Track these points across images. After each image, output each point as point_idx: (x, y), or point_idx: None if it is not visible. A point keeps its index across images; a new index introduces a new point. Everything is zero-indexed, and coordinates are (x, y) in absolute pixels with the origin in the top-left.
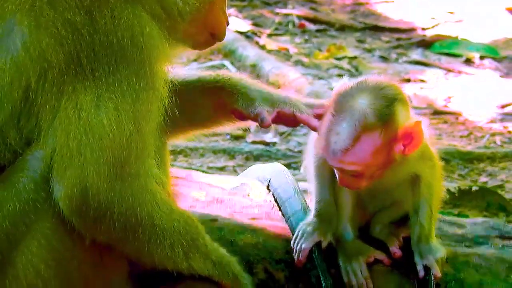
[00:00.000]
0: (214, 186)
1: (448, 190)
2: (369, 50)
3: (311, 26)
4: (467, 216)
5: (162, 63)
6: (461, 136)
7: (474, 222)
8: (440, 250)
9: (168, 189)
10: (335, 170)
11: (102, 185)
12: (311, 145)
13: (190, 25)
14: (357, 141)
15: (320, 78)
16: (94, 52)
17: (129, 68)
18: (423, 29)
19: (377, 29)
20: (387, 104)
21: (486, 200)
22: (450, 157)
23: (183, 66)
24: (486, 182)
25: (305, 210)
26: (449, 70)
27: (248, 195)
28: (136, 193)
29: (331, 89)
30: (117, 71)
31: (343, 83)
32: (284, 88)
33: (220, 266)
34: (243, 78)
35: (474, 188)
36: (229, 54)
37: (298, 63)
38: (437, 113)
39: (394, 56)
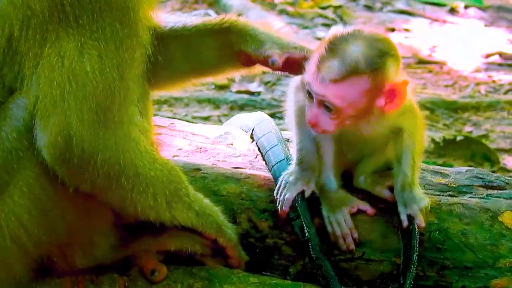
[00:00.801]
0: (197, 135)
1: (433, 140)
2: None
3: None
4: (451, 166)
5: (146, 10)
6: (446, 86)
7: (458, 171)
8: (423, 199)
9: (151, 137)
10: (307, 108)
11: (85, 132)
12: (291, 93)
13: None
14: (346, 79)
15: (305, 28)
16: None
17: (113, 15)
18: None
19: None
20: (379, 55)
21: (471, 149)
22: (435, 107)
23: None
24: (470, 132)
25: (289, 160)
26: (433, 20)
27: (232, 144)
28: (119, 140)
29: (316, 38)
30: (101, 18)
31: (340, 28)
32: None
33: (203, 216)
34: (250, 21)
35: (458, 138)
36: (214, 3)
37: (282, 12)
38: (421, 62)
39: (378, 5)
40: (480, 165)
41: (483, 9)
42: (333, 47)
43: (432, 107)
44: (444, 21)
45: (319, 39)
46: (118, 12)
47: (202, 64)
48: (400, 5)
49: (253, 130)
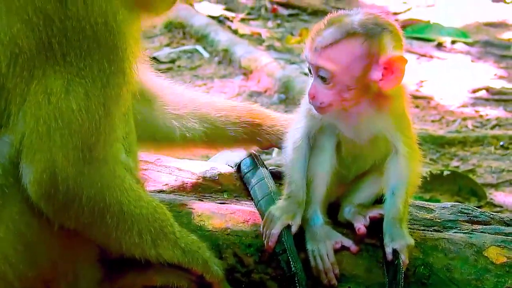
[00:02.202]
0: (183, 170)
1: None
2: None
3: (283, 11)
4: (438, 201)
5: (133, 47)
6: (433, 121)
7: (443, 206)
8: (410, 237)
9: (137, 175)
10: (308, 83)
11: (71, 170)
12: (291, 130)
13: None
14: (338, 42)
15: (292, 63)
16: (66, 37)
17: (101, 53)
18: (395, 13)
19: None
20: (377, 26)
21: (458, 184)
22: (422, 141)
23: (155, 50)
24: (457, 167)
25: (275, 194)
26: (421, 55)
27: (218, 179)
28: (104, 178)
29: (303, 73)
30: (89, 56)
31: None
32: (257, 73)
33: (189, 253)
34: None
35: (445, 173)
36: (202, 39)
37: (270, 47)
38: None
39: None
40: (467, 200)
41: (470, 44)
42: (330, 19)
43: (419, 142)
44: (432, 56)
45: (306, 74)
46: (105, 50)
47: (218, 142)
48: None
49: (239, 165)
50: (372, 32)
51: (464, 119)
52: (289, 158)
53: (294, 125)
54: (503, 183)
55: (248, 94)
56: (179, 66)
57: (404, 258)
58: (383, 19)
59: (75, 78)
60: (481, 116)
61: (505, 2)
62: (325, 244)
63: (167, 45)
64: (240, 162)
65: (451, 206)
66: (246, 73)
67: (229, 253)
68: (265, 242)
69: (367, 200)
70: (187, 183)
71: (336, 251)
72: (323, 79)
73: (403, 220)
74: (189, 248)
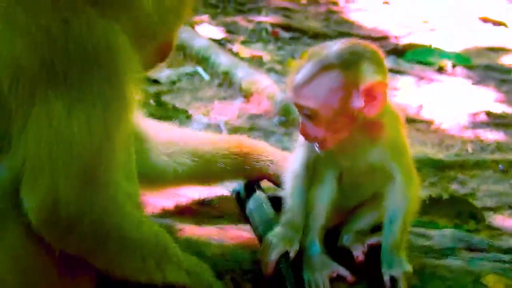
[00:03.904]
0: (182, 196)
1: None
2: None
3: (284, 34)
4: (437, 225)
5: (134, 73)
6: (433, 144)
7: (442, 233)
8: (407, 264)
9: (137, 200)
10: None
11: (72, 195)
12: (291, 159)
13: (155, 46)
14: (315, 77)
15: None
16: (68, 58)
17: (102, 76)
18: (396, 37)
19: (350, 37)
20: (353, 54)
21: (457, 208)
22: (421, 165)
23: (156, 72)
24: (457, 190)
25: (273, 220)
26: (421, 78)
27: (216, 205)
28: (106, 203)
29: None
30: (90, 79)
31: None
32: (257, 95)
33: (194, 274)
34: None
35: (444, 197)
36: (202, 61)
37: (271, 70)
38: (409, 121)
39: None
40: (465, 223)
41: (470, 68)
42: (308, 54)
43: (419, 166)
44: (432, 80)
45: None
46: (107, 73)
47: (209, 175)
48: (388, 64)
49: (238, 191)
50: (348, 62)
51: (464, 143)
52: (288, 186)
53: (293, 154)
54: (502, 206)
55: (248, 117)
56: (179, 88)
57: (402, 286)
58: (361, 46)
59: (76, 101)
60: (481, 140)
61: (506, 26)
62: (321, 274)
63: (168, 66)
64: (239, 188)
65: (450, 233)
66: (247, 95)
67: (227, 278)
68: (263, 268)
69: (365, 227)
70: (185, 208)
71: (333, 280)
72: (308, 116)
73: (401, 247)
74: (193, 270)
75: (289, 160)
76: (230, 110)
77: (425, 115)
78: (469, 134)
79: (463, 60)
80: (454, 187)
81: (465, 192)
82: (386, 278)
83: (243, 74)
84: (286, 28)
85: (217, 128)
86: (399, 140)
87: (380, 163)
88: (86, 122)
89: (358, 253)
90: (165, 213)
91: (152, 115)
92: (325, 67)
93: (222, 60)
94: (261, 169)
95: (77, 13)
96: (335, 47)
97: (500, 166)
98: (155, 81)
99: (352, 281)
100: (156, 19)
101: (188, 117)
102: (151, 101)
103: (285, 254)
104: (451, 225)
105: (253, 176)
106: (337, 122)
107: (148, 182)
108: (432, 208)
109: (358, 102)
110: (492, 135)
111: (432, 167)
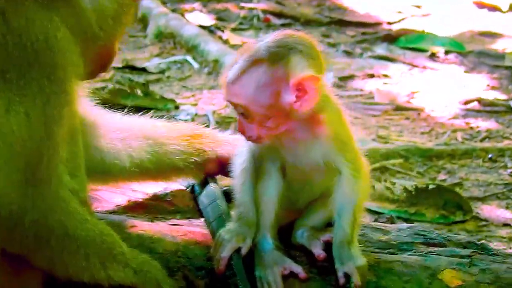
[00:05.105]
0: (137, 191)
1: (405, 188)
2: (334, 45)
3: (276, 21)
4: (423, 215)
5: (74, 68)
6: (423, 133)
7: (399, 227)
8: (361, 258)
9: (84, 196)
10: None
11: (13, 193)
12: (238, 151)
13: (95, 53)
14: (244, 73)
15: None
16: (6, 53)
17: (41, 71)
18: (389, 23)
19: (342, 24)
20: (283, 47)
21: (443, 198)
22: (409, 154)
23: (145, 61)
24: (444, 180)
25: (226, 216)
26: (413, 65)
27: (171, 200)
28: (48, 200)
29: None
30: (29, 74)
31: None
32: None
33: (142, 273)
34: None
35: (431, 186)
36: (192, 49)
37: None
38: (399, 109)
39: (358, 50)
40: (452, 214)
41: (464, 54)
42: (241, 50)
43: (407, 155)
44: (424, 67)
45: None
46: (46, 68)
47: (164, 160)
48: (380, 51)
49: (193, 186)
50: (277, 56)
51: (454, 131)
52: (237, 180)
53: (240, 147)
54: (489, 196)
55: None
56: (168, 77)
57: (355, 280)
58: (293, 39)
59: (15, 97)
60: (471, 128)
61: (501, 11)
62: (272, 270)
63: (157, 55)
64: (194, 183)
65: (408, 228)
66: None
67: (179, 275)
68: (215, 265)
69: (319, 223)
70: (140, 204)
71: (285, 277)
72: (242, 114)
73: (352, 241)
74: (141, 269)
75: (236, 153)
76: (218, 99)
77: (415, 103)
78: (459, 122)
79: (456, 46)
80: (442, 176)
81: (453, 182)
82: (340, 274)
83: None
84: (278, 15)
85: (205, 118)
86: (343, 134)
87: (323, 158)
88: (25, 118)
89: (319, 250)
90: (119, 209)
91: (139, 105)
92: (253, 62)
93: (212, 48)
94: (212, 151)
95: (15, 5)
96: (265, 41)
97: (489, 155)
98: (143, 70)
99: (305, 278)
100: (95, 22)
101: (177, 107)
102: (138, 91)
103: (237, 251)
104: (438, 216)
105: (204, 158)
106: (270, 118)
107: (102, 171)
108: (418, 198)
109: (288, 98)
110: (483, 123)
111: (420, 156)
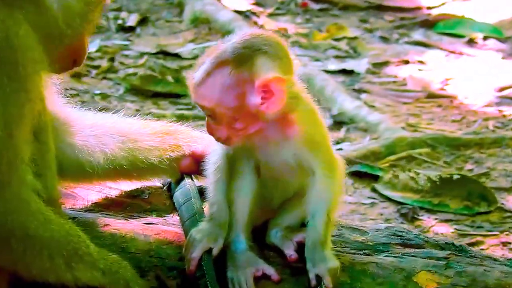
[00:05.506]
0: (114, 188)
1: (429, 178)
2: (370, 30)
3: (314, 6)
4: (448, 206)
5: (37, 66)
6: (453, 121)
7: (377, 228)
8: (333, 260)
9: (54, 195)
10: None
11: None
12: (211, 150)
13: (64, 49)
14: (209, 76)
15: (317, 60)
16: None
17: (1, 69)
18: (429, 8)
19: (381, 8)
20: (249, 48)
21: (468, 189)
22: (437, 143)
23: (179, 47)
24: (471, 170)
25: (199, 215)
26: (450, 51)
27: (148, 198)
28: (8, 202)
29: (324, 71)
30: None
31: None
32: None
33: (110, 273)
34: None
35: (455, 177)
36: (226, 34)
37: (295, 43)
38: (431, 96)
39: (395, 36)
40: (476, 205)
41: (502, 40)
42: (208, 51)
43: (434, 144)
44: (461, 53)
45: (328, 71)
46: (6, 66)
47: (138, 156)
48: (418, 36)
49: (169, 184)
50: (242, 57)
51: (486, 119)
52: (210, 179)
53: (214, 144)
54: None
55: None
56: None
57: (327, 282)
58: (259, 39)
59: None
60: (504, 116)
61: None
62: (244, 272)
63: (192, 41)
64: (171, 181)
65: (385, 228)
66: None
67: (151, 275)
68: (186, 265)
69: (294, 222)
70: (116, 202)
71: (258, 279)
72: (209, 115)
73: (325, 242)
74: (109, 269)
75: (210, 151)
76: None
77: (449, 90)
78: (492, 110)
79: (495, 32)
80: (469, 166)
81: (480, 172)
82: (311, 276)
83: None
84: None
85: None
86: (316, 134)
87: (295, 158)
88: None
89: (291, 251)
90: (95, 206)
91: (170, 91)
92: (218, 64)
93: None
94: (187, 147)
95: None
96: (232, 41)
97: None
98: (177, 55)
99: (277, 280)
100: (61, 20)
101: None
102: (169, 77)
103: (208, 251)
104: (461, 207)
105: (179, 155)
106: (238, 120)
107: (76, 169)
108: (442, 189)
109: (254, 100)
110: None
111: (447, 146)
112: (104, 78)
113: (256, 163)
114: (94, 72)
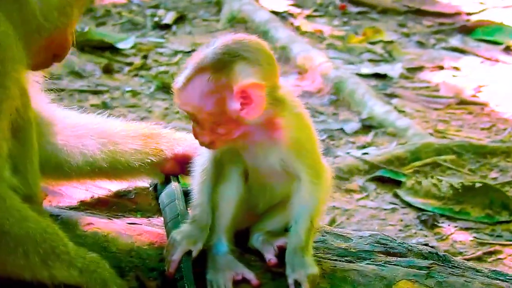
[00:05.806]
0: (101, 187)
1: (451, 186)
2: (408, 35)
3: (352, 8)
4: (469, 213)
5: (16, 63)
6: (483, 129)
7: (361, 235)
8: (313, 266)
9: (33, 192)
10: None
11: None
12: (199, 152)
13: (43, 42)
14: (189, 81)
15: (350, 63)
16: None
17: None
18: (468, 13)
19: (420, 13)
20: (228, 54)
21: (489, 197)
22: (463, 151)
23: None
24: (496, 178)
25: (181, 217)
26: (485, 58)
27: (134, 198)
28: None
29: (357, 74)
30: None
31: None
32: (311, 72)
33: (87, 273)
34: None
35: (477, 185)
36: (262, 35)
37: (330, 46)
38: (463, 103)
39: (432, 41)
40: (498, 214)
41: None
42: (192, 56)
43: (460, 151)
44: (497, 60)
45: (361, 75)
46: None
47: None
48: (455, 42)
49: (156, 184)
50: (221, 63)
51: None
52: (195, 181)
53: (202, 148)
54: None
55: (300, 95)
56: None
57: None
58: (240, 45)
59: None
60: None
61: None
62: (224, 275)
63: None
64: (157, 182)
65: (369, 236)
66: (301, 72)
67: (131, 276)
68: (166, 267)
69: (277, 227)
70: (102, 201)
71: (238, 283)
72: (193, 120)
73: (306, 248)
74: (86, 268)
75: (198, 153)
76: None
77: (481, 97)
78: None
79: None
80: (494, 174)
81: (504, 180)
82: (290, 281)
83: (299, 49)
84: (355, 2)
85: None
86: (303, 139)
87: (280, 163)
88: None
89: (271, 256)
90: (81, 205)
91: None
92: (198, 70)
93: (281, 34)
94: (169, 150)
95: None
96: (213, 46)
97: None
98: None
99: (257, 285)
100: (40, 13)
101: None
102: None
103: (188, 253)
104: (483, 215)
105: (161, 158)
106: (220, 125)
107: (55, 168)
108: (464, 197)
109: (234, 105)
110: None
111: (473, 153)
112: (136, 75)
113: (244, 168)
114: (126, 69)
